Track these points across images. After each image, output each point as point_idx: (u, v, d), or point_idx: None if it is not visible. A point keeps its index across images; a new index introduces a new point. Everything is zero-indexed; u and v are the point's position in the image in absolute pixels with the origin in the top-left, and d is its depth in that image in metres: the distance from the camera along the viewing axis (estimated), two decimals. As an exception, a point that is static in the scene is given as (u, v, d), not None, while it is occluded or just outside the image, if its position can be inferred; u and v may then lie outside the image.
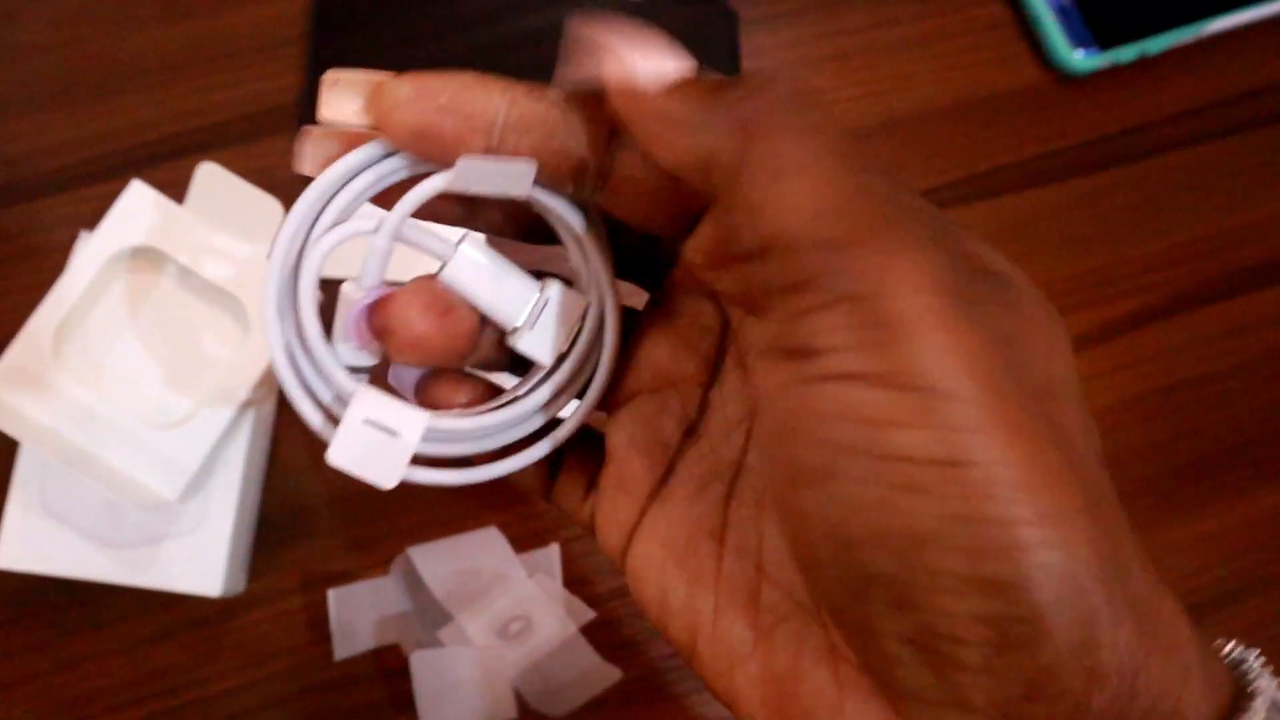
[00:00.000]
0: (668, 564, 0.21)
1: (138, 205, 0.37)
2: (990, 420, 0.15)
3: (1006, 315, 0.18)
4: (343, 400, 0.23)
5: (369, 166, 0.22)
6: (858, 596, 0.17)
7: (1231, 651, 0.19)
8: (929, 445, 0.15)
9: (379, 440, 0.22)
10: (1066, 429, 0.17)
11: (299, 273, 0.22)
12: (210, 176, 0.39)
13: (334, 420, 0.22)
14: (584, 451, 0.24)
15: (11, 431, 0.35)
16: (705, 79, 0.19)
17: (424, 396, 0.24)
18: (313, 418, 0.23)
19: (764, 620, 0.19)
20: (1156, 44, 0.49)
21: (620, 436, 0.22)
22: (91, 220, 0.42)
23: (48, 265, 0.42)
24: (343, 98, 0.22)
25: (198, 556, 0.37)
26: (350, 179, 0.22)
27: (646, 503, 0.22)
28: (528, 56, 0.46)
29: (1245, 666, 0.18)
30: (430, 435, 0.22)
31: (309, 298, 0.22)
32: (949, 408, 0.15)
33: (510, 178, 0.21)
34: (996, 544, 0.15)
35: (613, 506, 0.22)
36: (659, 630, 0.21)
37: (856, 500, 0.16)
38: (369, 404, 0.22)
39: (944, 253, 0.17)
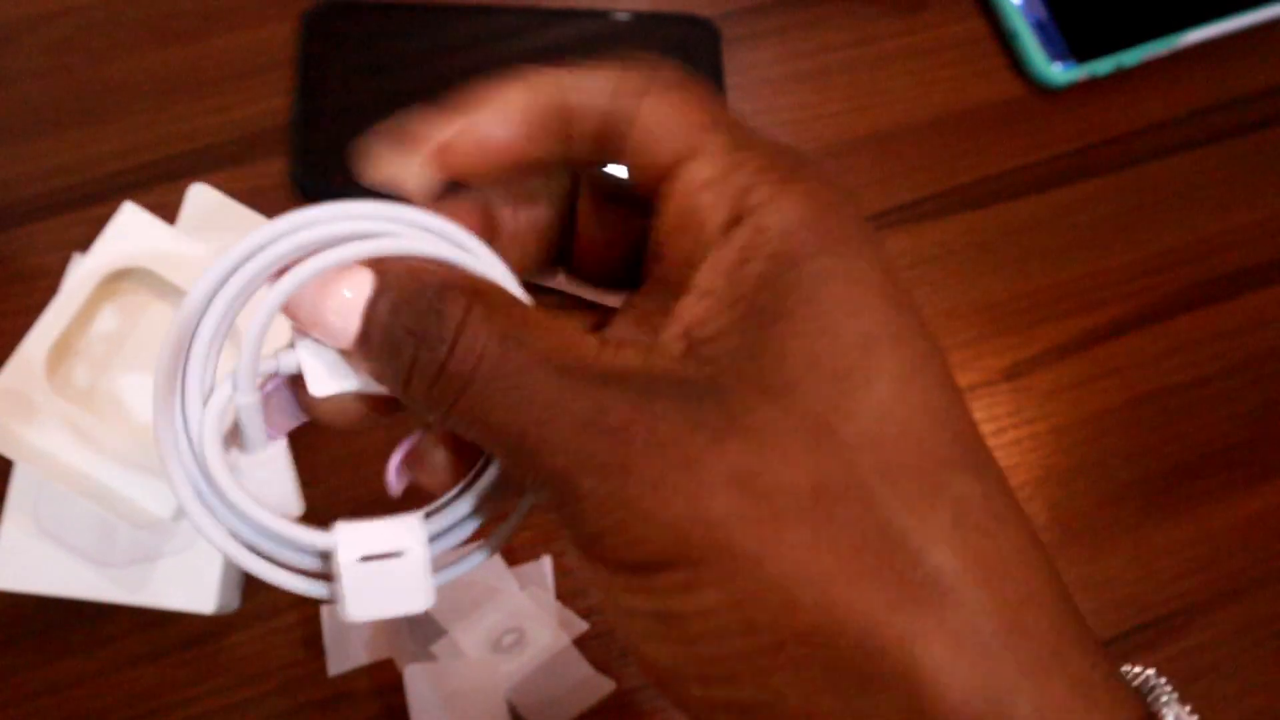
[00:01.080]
0: None
1: (130, 227, 0.38)
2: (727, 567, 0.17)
3: (738, 447, 0.17)
4: (312, 552, 0.20)
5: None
6: None
7: (1142, 679, 0.18)
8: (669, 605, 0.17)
9: (387, 569, 0.19)
10: (837, 527, 0.16)
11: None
12: (201, 197, 0.39)
13: (318, 575, 0.20)
14: None
15: (5, 452, 0.35)
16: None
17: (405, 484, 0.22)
18: (297, 585, 0.20)
19: None
20: (1133, 56, 0.50)
21: None
22: (83, 243, 0.43)
23: (40, 289, 0.42)
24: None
25: (191, 574, 0.37)
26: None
27: None
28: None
29: (1155, 692, 0.18)
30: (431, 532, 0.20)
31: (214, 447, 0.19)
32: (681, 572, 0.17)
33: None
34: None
35: None
36: None
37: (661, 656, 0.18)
38: (356, 542, 0.19)
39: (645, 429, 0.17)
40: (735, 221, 0.18)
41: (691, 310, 0.18)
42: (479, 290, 0.18)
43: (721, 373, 0.17)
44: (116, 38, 0.46)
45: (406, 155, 0.21)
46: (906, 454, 0.16)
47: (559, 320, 0.18)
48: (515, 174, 0.20)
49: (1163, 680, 0.18)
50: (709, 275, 0.18)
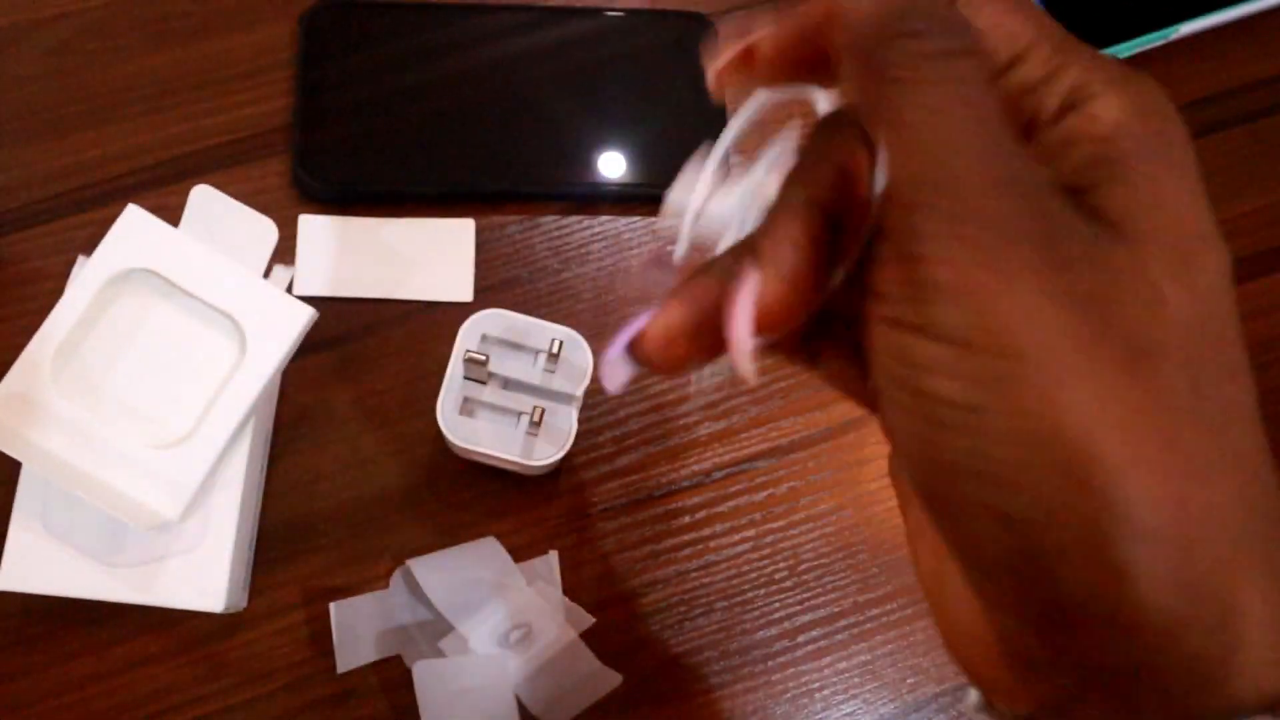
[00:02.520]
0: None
1: (133, 229, 0.38)
2: (1019, 371, 0.17)
3: (1090, 274, 0.17)
4: None
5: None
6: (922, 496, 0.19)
7: None
8: (954, 391, 0.17)
9: None
10: (1155, 382, 0.17)
11: None
12: (205, 199, 0.40)
13: None
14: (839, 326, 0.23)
15: (12, 453, 0.35)
16: None
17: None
18: None
19: None
20: (1126, 48, 0.50)
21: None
22: (87, 246, 0.43)
23: (44, 292, 0.42)
24: None
25: (199, 573, 0.37)
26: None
27: None
28: (513, 81, 0.47)
29: None
30: None
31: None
32: (977, 359, 0.17)
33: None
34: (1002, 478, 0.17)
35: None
36: None
37: (904, 427, 0.18)
38: None
39: (1021, 216, 0.17)
40: (1066, 111, 0.19)
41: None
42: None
43: (1057, 217, 0.18)
44: (116, 41, 0.46)
45: (728, 50, 0.22)
46: (1211, 346, 0.18)
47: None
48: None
49: None
50: (1038, 158, 0.19)
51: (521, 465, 0.39)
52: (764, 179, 0.24)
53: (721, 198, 0.25)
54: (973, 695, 0.20)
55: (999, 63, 0.20)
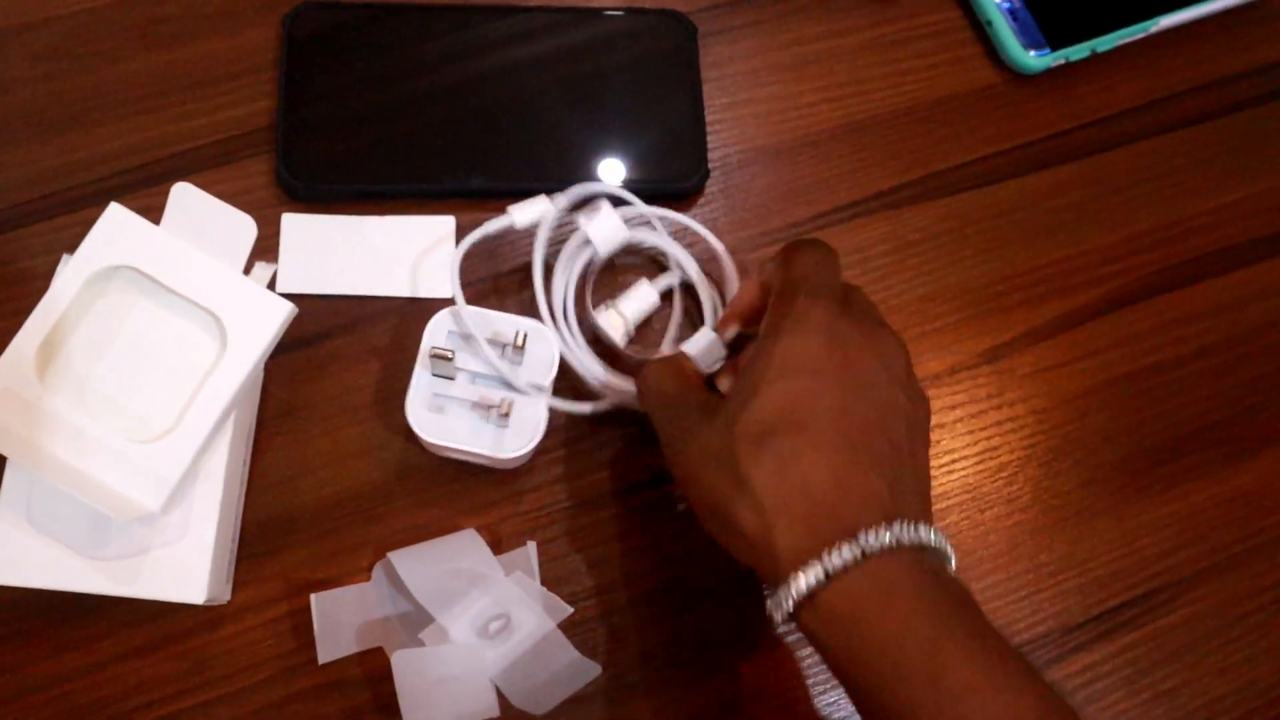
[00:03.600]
0: None
1: (116, 227, 0.38)
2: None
3: (708, 420, 0.36)
4: None
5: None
6: None
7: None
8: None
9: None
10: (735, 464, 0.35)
11: None
12: (186, 196, 0.40)
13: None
14: None
15: (-3, 449, 0.36)
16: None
17: None
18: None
19: None
20: (1107, 42, 0.51)
21: None
22: (72, 247, 0.43)
23: (32, 292, 0.43)
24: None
25: (181, 565, 0.38)
26: None
27: None
28: (493, 79, 0.47)
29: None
30: None
31: None
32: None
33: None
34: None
35: None
36: None
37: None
38: None
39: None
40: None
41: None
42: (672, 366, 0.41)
43: (723, 399, 0.37)
44: (102, 44, 0.47)
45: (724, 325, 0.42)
46: (752, 432, 0.34)
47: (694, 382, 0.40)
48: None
49: (900, 528, 0.32)
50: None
51: (492, 459, 0.40)
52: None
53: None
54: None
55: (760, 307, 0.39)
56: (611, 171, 0.46)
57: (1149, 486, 0.46)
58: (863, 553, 0.31)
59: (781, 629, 0.42)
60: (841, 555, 0.31)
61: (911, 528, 0.32)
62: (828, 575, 0.31)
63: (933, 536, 0.32)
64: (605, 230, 0.43)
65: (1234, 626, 0.45)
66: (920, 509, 0.34)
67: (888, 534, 0.31)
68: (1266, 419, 0.47)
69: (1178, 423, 0.47)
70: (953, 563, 0.34)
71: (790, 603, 0.31)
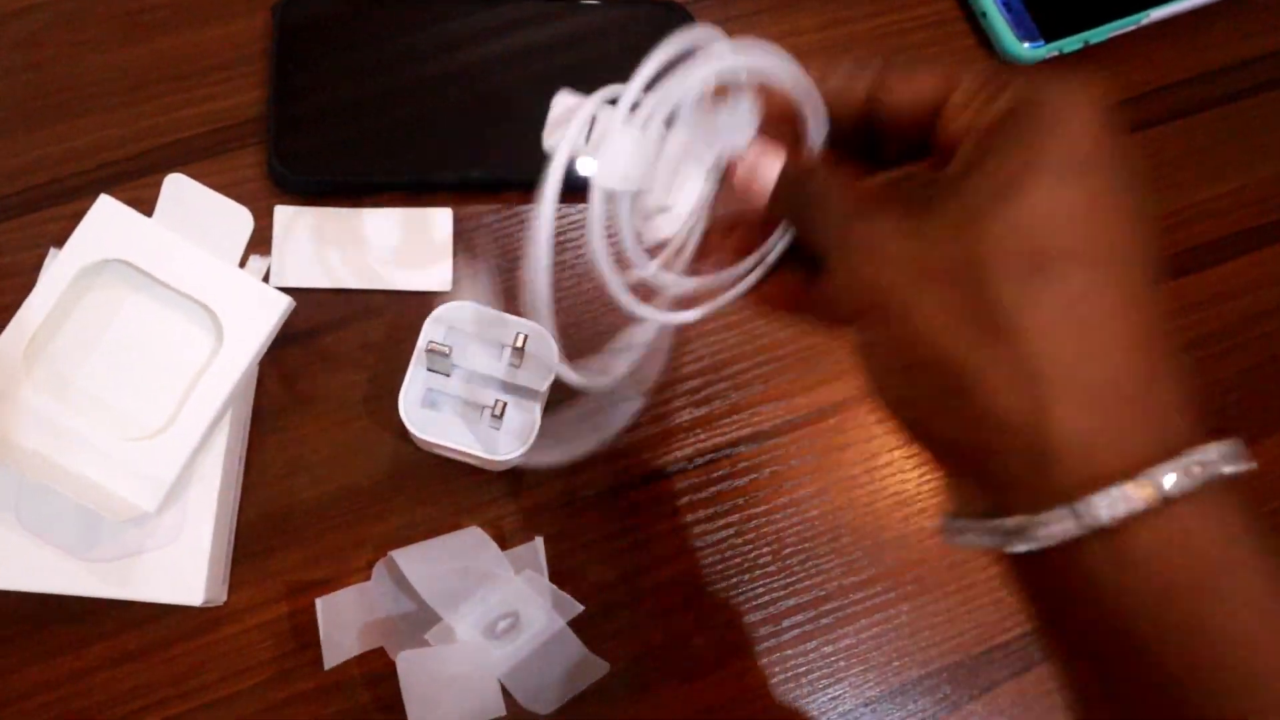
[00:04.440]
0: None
1: (106, 219, 0.37)
2: (886, 315, 0.25)
3: (926, 222, 0.24)
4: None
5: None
6: None
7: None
8: (862, 339, 0.26)
9: None
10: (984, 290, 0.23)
11: None
12: (178, 188, 0.39)
13: None
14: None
15: (-15, 449, 0.35)
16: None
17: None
18: None
19: None
20: (1100, 33, 0.51)
21: None
22: (60, 239, 0.42)
23: (17, 286, 0.42)
24: None
25: (178, 566, 0.37)
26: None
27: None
28: (489, 69, 0.46)
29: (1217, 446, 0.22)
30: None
31: None
32: (865, 318, 0.26)
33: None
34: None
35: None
36: None
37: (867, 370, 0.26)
38: None
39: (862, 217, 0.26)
40: (973, 97, 0.25)
41: (954, 161, 0.25)
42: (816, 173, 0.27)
43: (938, 195, 0.24)
44: (88, 33, 0.46)
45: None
46: (1022, 249, 0.22)
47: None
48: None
49: (1228, 442, 0.22)
50: (961, 149, 0.25)
51: (482, 460, 0.39)
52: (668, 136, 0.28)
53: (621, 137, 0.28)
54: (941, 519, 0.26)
55: (936, 104, 0.26)
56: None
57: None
58: (1201, 475, 0.21)
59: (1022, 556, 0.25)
60: (1182, 474, 0.21)
61: (1232, 444, 0.22)
62: (1163, 500, 0.21)
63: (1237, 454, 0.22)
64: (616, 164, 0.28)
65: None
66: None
67: (1218, 450, 0.22)
68: (1262, 408, 0.48)
69: (1175, 413, 0.47)
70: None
71: (1073, 527, 0.21)
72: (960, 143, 0.25)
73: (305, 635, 0.40)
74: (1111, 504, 0.21)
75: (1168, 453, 0.21)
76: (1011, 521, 0.22)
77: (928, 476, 0.45)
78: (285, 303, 0.38)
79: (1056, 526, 0.22)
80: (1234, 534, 0.22)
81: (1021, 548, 0.22)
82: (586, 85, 0.47)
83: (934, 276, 0.23)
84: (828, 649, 0.42)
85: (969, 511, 0.24)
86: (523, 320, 0.40)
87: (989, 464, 0.23)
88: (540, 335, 0.39)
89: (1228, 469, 0.22)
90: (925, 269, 0.23)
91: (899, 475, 0.45)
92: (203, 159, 0.44)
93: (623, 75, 0.46)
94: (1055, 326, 0.22)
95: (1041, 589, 0.24)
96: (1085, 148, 0.23)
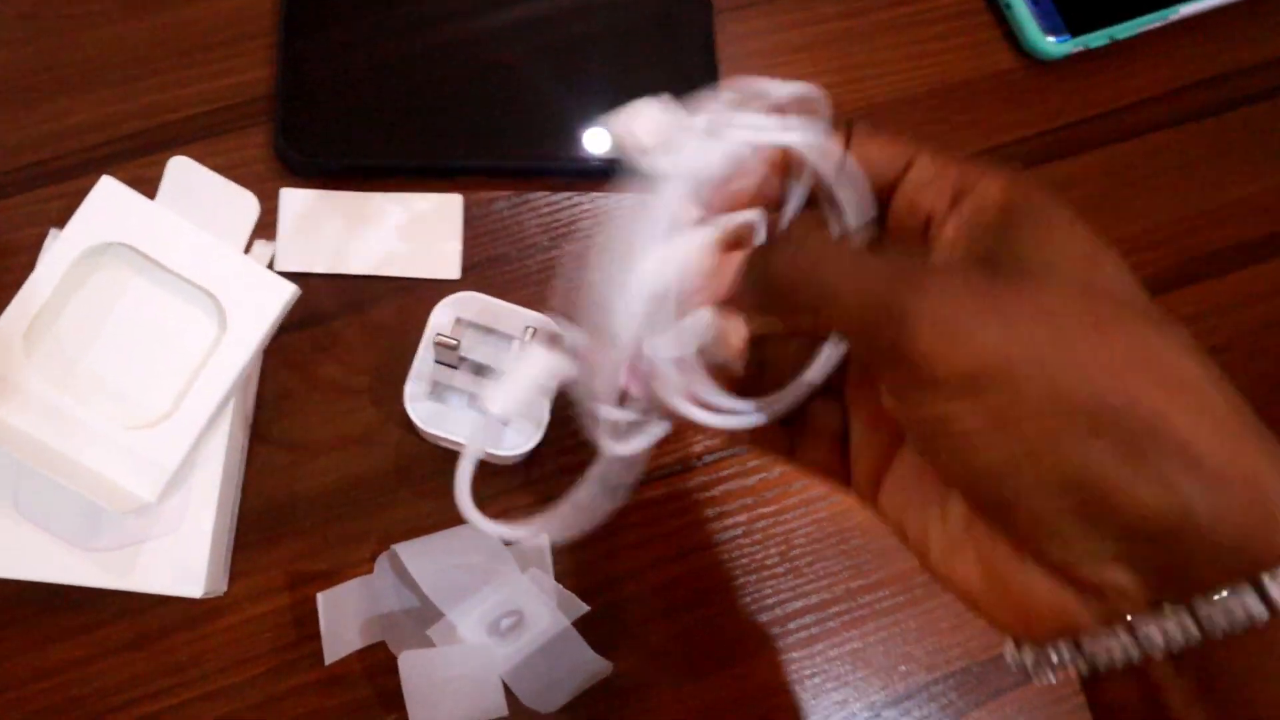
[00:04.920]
0: (909, 501, 0.26)
1: (108, 201, 0.36)
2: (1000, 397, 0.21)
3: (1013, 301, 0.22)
4: None
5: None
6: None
7: None
8: (969, 423, 0.22)
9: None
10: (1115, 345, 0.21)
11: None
12: (182, 170, 0.38)
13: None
14: (820, 417, 0.28)
15: (-17, 434, 0.34)
16: None
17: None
18: None
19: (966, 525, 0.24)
20: (1126, 29, 0.50)
21: (869, 404, 0.27)
22: (59, 218, 0.41)
23: (15, 265, 0.41)
24: None
25: (178, 557, 0.36)
26: None
27: (892, 453, 0.26)
28: (503, 53, 0.45)
29: None
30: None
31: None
32: (973, 394, 0.21)
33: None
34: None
35: (868, 459, 0.27)
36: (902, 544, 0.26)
37: (951, 466, 0.22)
38: None
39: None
40: (959, 199, 0.24)
41: (948, 251, 0.24)
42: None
43: (996, 266, 0.23)
44: (91, 6, 0.44)
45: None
46: (1147, 307, 0.22)
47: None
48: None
49: None
50: (950, 234, 0.24)
51: (488, 455, 0.38)
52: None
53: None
54: (1009, 647, 0.24)
55: (891, 177, 0.26)
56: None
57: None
58: None
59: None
60: None
61: None
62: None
63: None
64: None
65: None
66: None
67: None
68: (1274, 418, 0.47)
69: (1189, 419, 0.46)
70: None
71: (1226, 624, 0.19)
72: (943, 231, 0.25)
73: (306, 627, 0.39)
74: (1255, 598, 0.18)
75: None
76: (1219, 599, 0.19)
77: (938, 478, 0.44)
78: (290, 290, 0.37)
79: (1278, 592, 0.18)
80: None
81: (1218, 631, 0.19)
82: (606, 71, 0.46)
83: (1082, 326, 0.20)
84: (834, 652, 0.42)
85: (1123, 610, 0.20)
86: (532, 313, 0.39)
87: (1193, 531, 0.19)
88: (550, 328, 0.39)
89: None
90: (1065, 317, 0.20)
91: (909, 477, 0.44)
92: (206, 138, 0.43)
93: (641, 61, 0.46)
94: (1214, 377, 0.20)
95: (1197, 695, 0.20)
96: (1090, 247, 0.23)
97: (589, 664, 0.38)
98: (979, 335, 0.20)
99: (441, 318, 0.39)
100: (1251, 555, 0.19)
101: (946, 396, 0.21)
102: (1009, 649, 0.24)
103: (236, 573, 0.40)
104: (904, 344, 0.21)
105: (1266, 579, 0.19)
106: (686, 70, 0.46)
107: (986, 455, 0.21)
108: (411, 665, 0.36)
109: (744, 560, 0.42)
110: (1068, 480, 0.20)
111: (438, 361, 0.39)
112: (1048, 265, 0.22)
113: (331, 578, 0.40)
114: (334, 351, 0.42)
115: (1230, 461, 0.19)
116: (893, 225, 0.26)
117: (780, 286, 0.23)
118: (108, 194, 0.36)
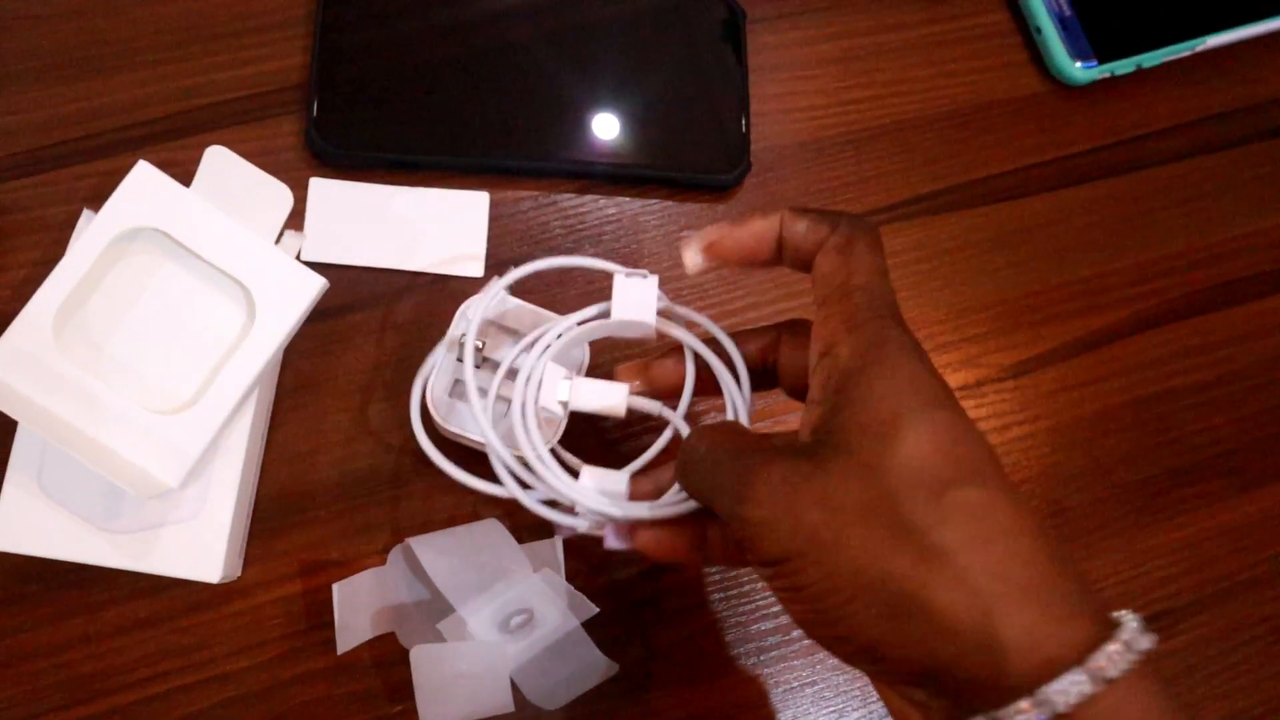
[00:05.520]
0: None
1: (143, 186, 0.37)
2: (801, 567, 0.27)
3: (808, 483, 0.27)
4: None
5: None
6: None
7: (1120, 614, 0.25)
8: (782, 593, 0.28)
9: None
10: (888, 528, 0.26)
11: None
12: (219, 160, 0.38)
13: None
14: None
15: (10, 411, 0.34)
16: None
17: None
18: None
19: None
20: (1153, 58, 0.50)
21: None
22: (90, 198, 0.42)
23: (45, 241, 0.41)
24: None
25: (197, 542, 0.37)
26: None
27: None
28: (537, 54, 0.46)
29: (1124, 621, 0.25)
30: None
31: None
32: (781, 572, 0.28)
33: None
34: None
35: None
36: None
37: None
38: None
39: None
40: (824, 355, 0.29)
41: (808, 412, 0.29)
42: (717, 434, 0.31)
43: (818, 444, 0.27)
44: (129, -14, 0.44)
45: (693, 244, 0.33)
46: (922, 480, 0.25)
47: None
48: (748, 265, 0.33)
49: (1133, 616, 0.25)
50: (813, 389, 0.29)
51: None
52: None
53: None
54: None
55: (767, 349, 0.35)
56: (653, 154, 0.45)
57: (1161, 510, 0.46)
58: (1129, 653, 0.24)
59: None
60: (1117, 655, 0.23)
61: (1138, 619, 0.25)
62: (1101, 681, 0.23)
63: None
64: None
65: (1234, 653, 0.45)
66: None
67: (1133, 627, 0.24)
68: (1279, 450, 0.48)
69: (1194, 448, 0.47)
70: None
71: (1034, 716, 0.23)
72: (811, 388, 0.29)
73: (317, 615, 0.40)
74: (1065, 690, 0.23)
75: (1101, 636, 0.24)
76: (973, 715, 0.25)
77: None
78: (320, 284, 0.37)
79: (1020, 719, 0.24)
80: (1163, 705, 0.24)
81: None
82: (636, 76, 0.46)
83: (855, 513, 0.25)
84: (834, 660, 0.42)
85: None
86: (556, 316, 0.39)
87: (947, 671, 0.25)
88: (573, 334, 0.39)
89: (1145, 644, 0.24)
90: (843, 507, 0.26)
91: (917, 493, 0.45)
92: (239, 124, 0.43)
93: (672, 68, 0.46)
94: (974, 540, 0.25)
95: None
96: (927, 385, 0.27)
97: (596, 664, 0.38)
98: (779, 530, 0.26)
99: (466, 316, 0.39)
100: (993, 697, 0.24)
101: (762, 570, 0.28)
102: None
103: (250, 558, 0.40)
104: (738, 534, 0.28)
105: (1006, 709, 0.24)
106: (718, 80, 0.47)
107: (792, 611, 0.28)
108: (424, 659, 0.36)
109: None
110: (846, 637, 0.26)
111: (459, 359, 0.40)
112: (848, 450, 0.26)
113: (344, 568, 0.40)
114: (354, 342, 0.42)
115: (973, 624, 0.24)
116: (782, 377, 0.34)
117: (685, 487, 0.31)
118: (144, 179, 0.37)
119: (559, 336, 0.37)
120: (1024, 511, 0.25)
